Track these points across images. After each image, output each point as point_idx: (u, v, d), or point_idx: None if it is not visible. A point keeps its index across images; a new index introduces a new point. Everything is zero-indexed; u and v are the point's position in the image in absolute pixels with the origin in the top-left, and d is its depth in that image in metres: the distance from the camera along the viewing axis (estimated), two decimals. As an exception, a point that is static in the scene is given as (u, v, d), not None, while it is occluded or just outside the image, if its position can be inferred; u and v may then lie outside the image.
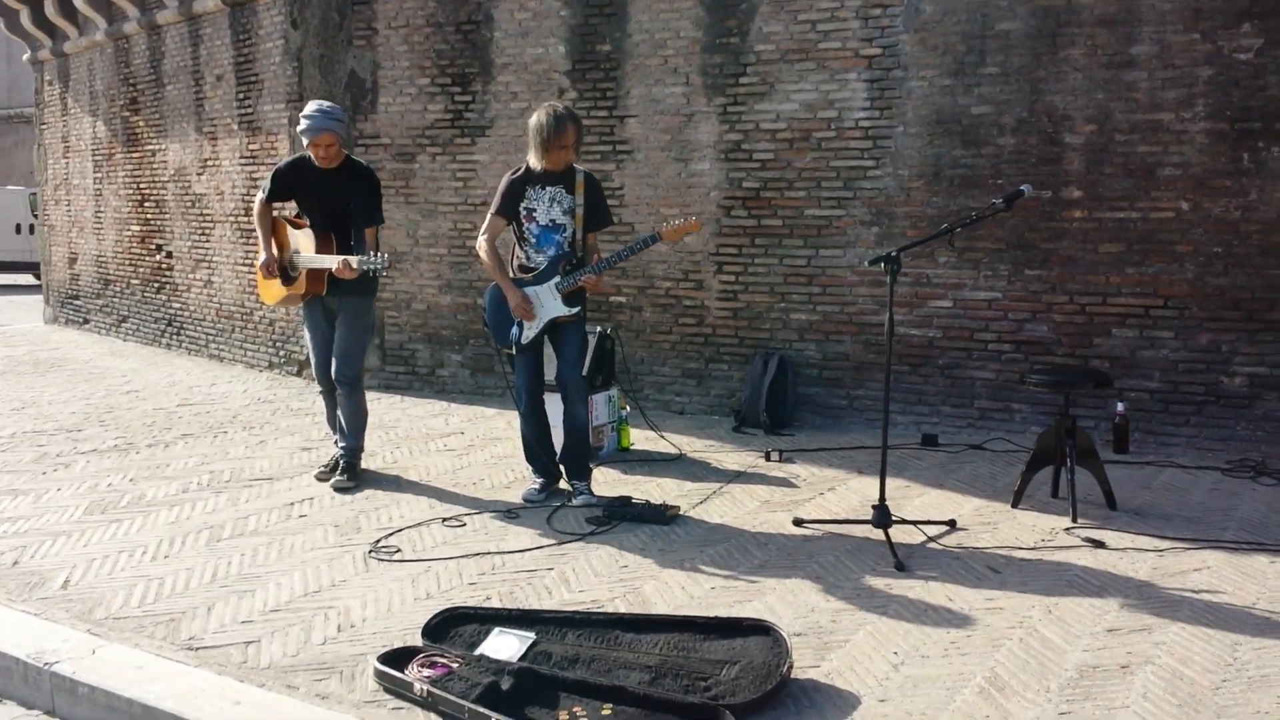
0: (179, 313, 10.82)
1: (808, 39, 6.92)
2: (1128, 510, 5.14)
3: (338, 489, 5.69)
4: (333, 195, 5.64)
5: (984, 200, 6.55)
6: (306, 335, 5.96)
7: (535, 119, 5.22)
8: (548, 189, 5.33)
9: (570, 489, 5.46)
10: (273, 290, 5.85)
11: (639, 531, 4.94)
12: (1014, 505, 5.25)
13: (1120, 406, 6.26)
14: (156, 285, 11.14)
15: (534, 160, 5.27)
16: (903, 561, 4.44)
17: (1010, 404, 6.67)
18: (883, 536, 4.69)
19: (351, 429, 5.86)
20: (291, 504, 5.46)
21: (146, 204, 11.16)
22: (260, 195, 5.87)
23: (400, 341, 8.48)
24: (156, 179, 10.92)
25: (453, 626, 3.72)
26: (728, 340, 7.36)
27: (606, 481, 5.77)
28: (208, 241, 10.19)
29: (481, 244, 5.44)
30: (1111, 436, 6.32)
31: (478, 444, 6.72)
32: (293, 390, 8.54)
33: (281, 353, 9.25)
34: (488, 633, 3.64)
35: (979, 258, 6.65)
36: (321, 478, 5.89)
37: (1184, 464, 5.97)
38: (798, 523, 5.01)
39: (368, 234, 5.68)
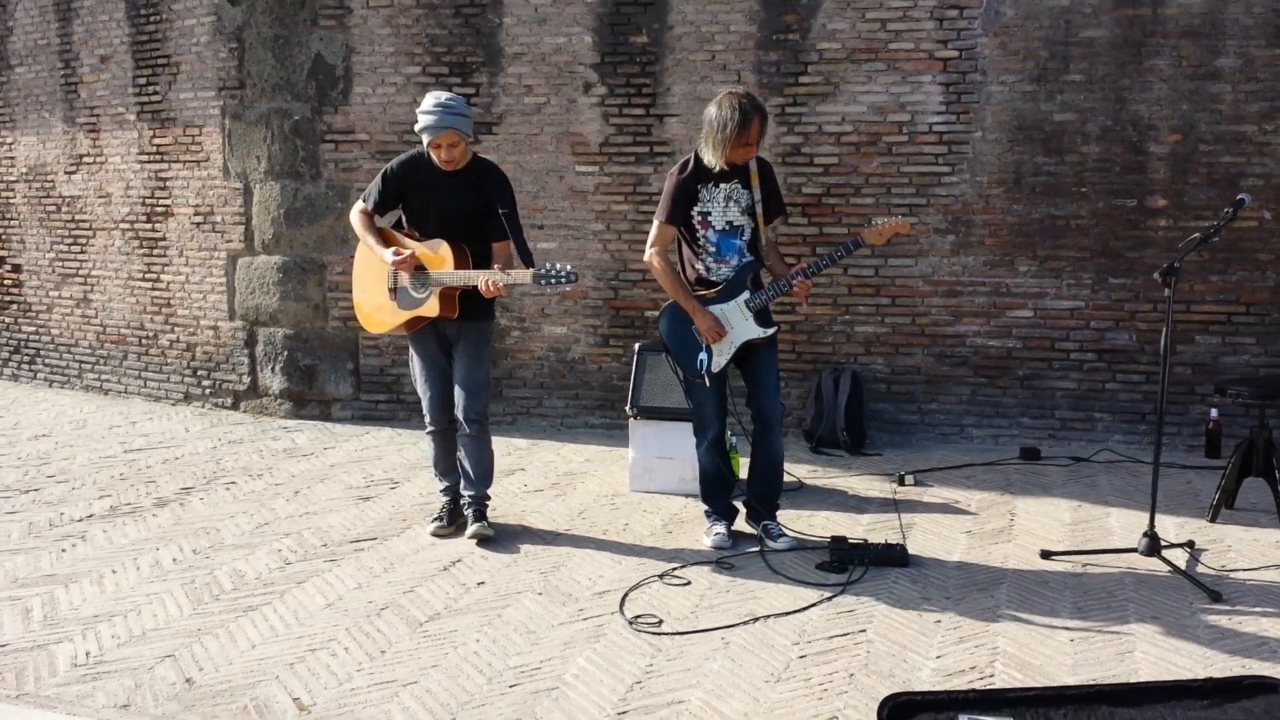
0: (33, 338, 9.04)
1: (877, 39, 6.58)
2: (1317, 518, 5.14)
3: (480, 539, 4.79)
4: (460, 202, 4.74)
5: (1067, 208, 6.49)
6: (416, 368, 4.97)
7: (716, 111, 4.53)
8: (722, 186, 4.68)
9: (760, 530, 4.84)
10: (383, 313, 4.85)
11: (887, 576, 4.42)
12: (1212, 520, 5.14)
13: (1214, 412, 6.34)
14: (-6, 305, 9.28)
15: (710, 157, 4.58)
16: (1219, 592, 4.18)
17: (1092, 413, 6.61)
18: (1150, 565, 4.45)
19: (480, 474, 4.96)
20: (446, 569, 4.52)
21: (-22, 208, 9.27)
22: (361, 203, 4.88)
23: (380, 366, 7.41)
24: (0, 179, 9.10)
25: (908, 717, 3.10)
26: (784, 356, 6.89)
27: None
28: (82, 253, 8.57)
29: (653, 257, 4.73)
30: (1204, 442, 6.39)
31: (560, 481, 5.91)
32: (250, 428, 7.27)
33: (205, 383, 7.89)
34: (956, 722, 3.05)
35: (1061, 266, 6.56)
36: (442, 533, 4.95)
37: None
38: (1045, 555, 4.65)
39: (498, 249, 4.82)
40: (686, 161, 4.67)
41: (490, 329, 4.98)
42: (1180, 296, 6.43)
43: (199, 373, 7.95)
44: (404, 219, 4.91)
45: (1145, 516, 5.08)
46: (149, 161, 8.01)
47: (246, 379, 7.66)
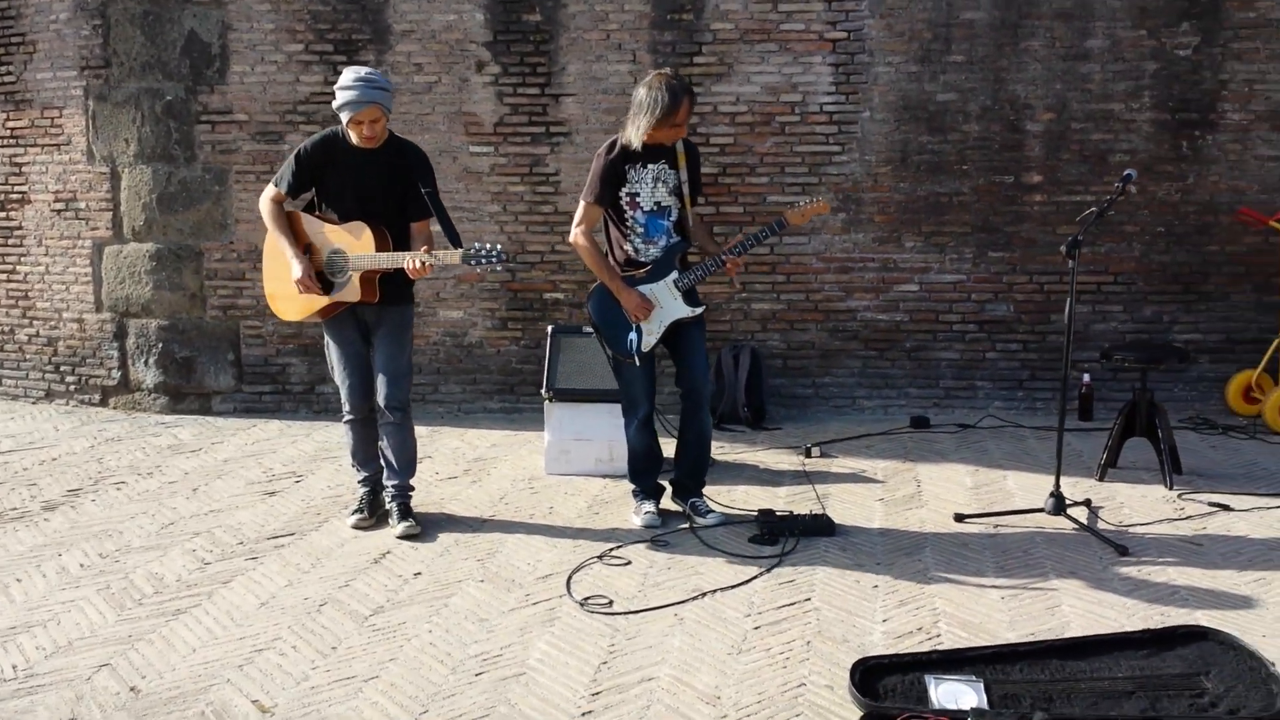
0: None
1: (769, 19, 6.69)
2: (1190, 473, 5.50)
3: (408, 537, 4.69)
4: (378, 182, 4.61)
5: (950, 186, 6.75)
6: (333, 356, 4.83)
7: (647, 92, 4.54)
8: (649, 166, 4.69)
9: (687, 507, 4.90)
10: (299, 300, 4.68)
11: (817, 546, 4.55)
12: (1100, 479, 5.45)
13: (1086, 377, 6.73)
14: None
15: (636, 136, 4.59)
16: (1125, 547, 4.44)
17: (974, 382, 6.92)
18: (1057, 524, 4.72)
19: (403, 463, 4.86)
20: (378, 561, 4.43)
21: None
22: (271, 188, 4.68)
23: (264, 356, 7.16)
24: None
25: (876, 680, 3.21)
26: (683, 334, 6.97)
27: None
28: (-76, 242, 7.96)
29: (579, 237, 4.71)
30: (1077, 405, 6.77)
31: (471, 467, 5.84)
32: (126, 425, 6.92)
33: (70, 379, 7.46)
34: (922, 683, 3.18)
35: (945, 242, 6.82)
36: (363, 525, 4.84)
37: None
38: (959, 518, 4.86)
39: (417, 229, 4.72)
40: (614, 142, 4.66)
41: (411, 313, 4.88)
42: (1053, 268, 6.78)
43: (61, 369, 7.51)
44: (318, 201, 4.74)
45: (1038, 478, 5.42)
46: (2, 146, 7.49)
47: (116, 374, 7.29)
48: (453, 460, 5.96)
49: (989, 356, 6.90)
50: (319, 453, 6.14)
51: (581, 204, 4.71)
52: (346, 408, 4.86)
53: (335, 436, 6.49)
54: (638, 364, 4.70)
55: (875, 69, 6.69)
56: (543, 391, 5.69)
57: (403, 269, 4.48)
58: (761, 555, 4.43)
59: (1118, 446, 5.52)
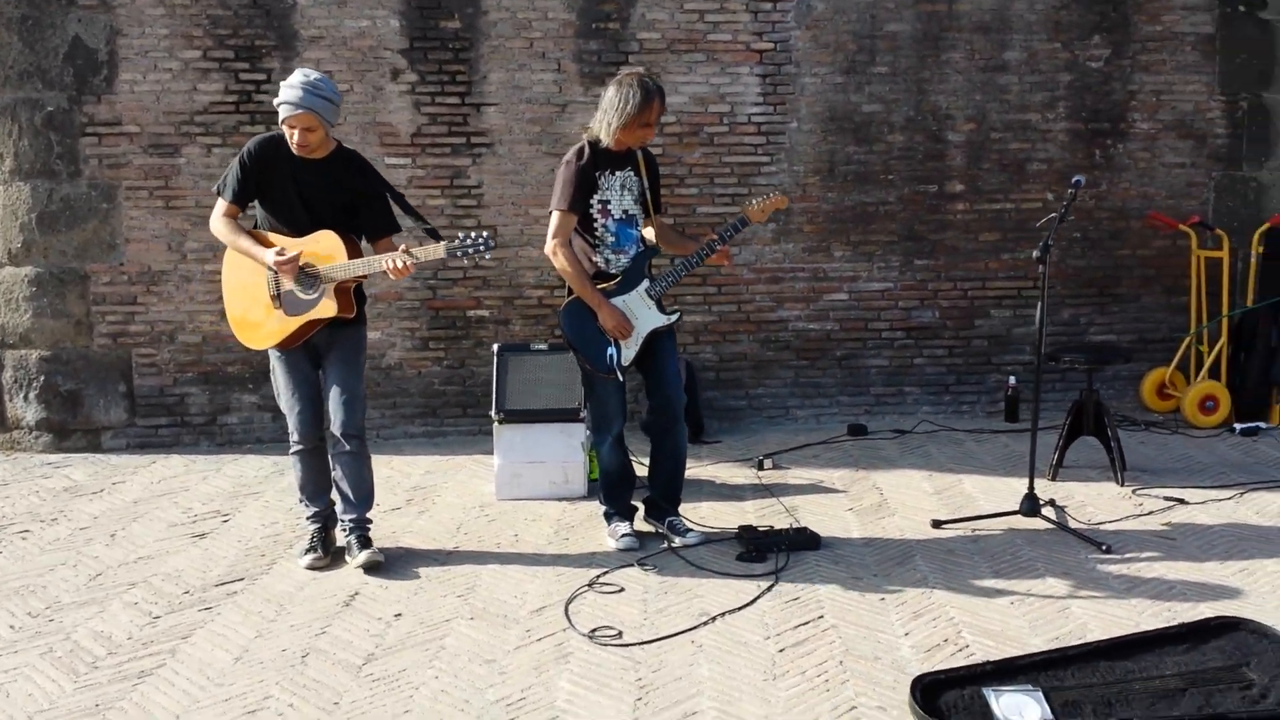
0: None
1: (696, 29, 6.59)
2: (1136, 470, 5.62)
3: (370, 566, 4.35)
4: (324, 193, 4.28)
5: (876, 195, 6.79)
6: (280, 382, 4.44)
7: (616, 90, 4.37)
8: (617, 174, 4.53)
9: (664, 526, 4.71)
10: (269, 324, 4.29)
11: (806, 561, 4.43)
12: (1053, 479, 5.52)
13: (1012, 379, 6.85)
14: None
15: (607, 135, 4.41)
16: (1108, 544, 4.48)
17: (902, 388, 6.96)
18: (1031, 525, 4.75)
19: (361, 496, 4.53)
20: (348, 604, 4.08)
21: None
22: (220, 201, 4.32)
23: (161, 386, 6.62)
24: None
25: (936, 698, 3.10)
26: (613, 350, 6.78)
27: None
28: None
29: (556, 249, 4.48)
30: (1003, 407, 6.88)
31: (414, 497, 5.50)
32: (8, 467, 6.27)
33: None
34: (982, 697, 3.09)
35: (872, 250, 6.84)
36: (319, 565, 4.46)
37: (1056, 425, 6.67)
38: (936, 524, 4.83)
39: (380, 249, 4.41)
40: (583, 148, 4.46)
41: (365, 334, 4.55)
42: (975, 274, 6.89)
43: (-74, 406, 6.77)
44: (265, 215, 4.36)
45: (991, 480, 5.50)
46: None
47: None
48: (389, 490, 5.60)
49: (916, 362, 6.95)
50: (237, 489, 5.69)
51: (555, 214, 4.48)
52: (295, 437, 4.49)
53: (249, 470, 6.04)
54: (620, 378, 4.50)
55: (802, 80, 6.67)
56: (492, 413, 5.41)
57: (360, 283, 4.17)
58: (753, 574, 4.28)
59: (1066, 446, 5.60)
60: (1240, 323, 6.68)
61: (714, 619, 3.85)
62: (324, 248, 4.20)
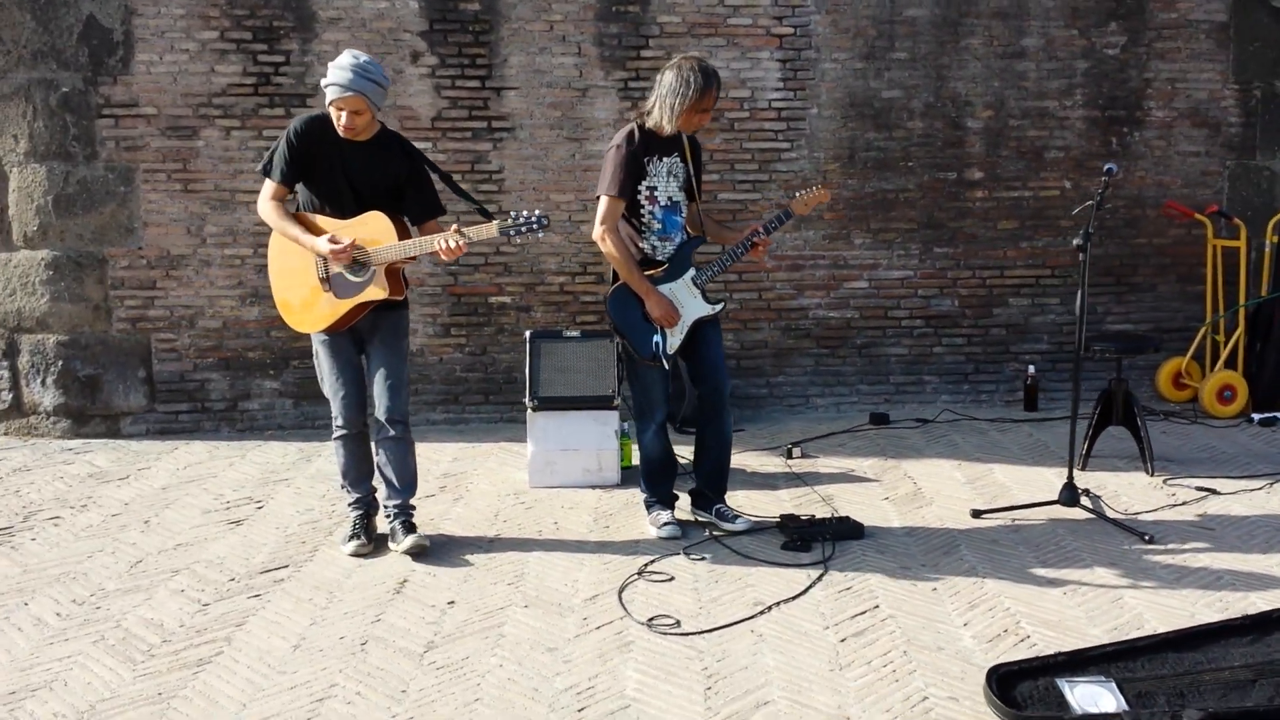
0: None
1: (716, 13, 6.56)
2: (1162, 459, 5.66)
3: (416, 552, 4.33)
4: (369, 175, 4.25)
5: (896, 182, 6.79)
6: (325, 366, 4.40)
7: (676, 74, 4.31)
8: (664, 160, 4.50)
9: (711, 514, 4.70)
10: (320, 308, 4.26)
11: (851, 550, 4.44)
12: (1083, 468, 5.55)
13: (1031, 369, 6.88)
14: None
15: (668, 121, 4.34)
16: (1150, 534, 4.51)
17: (922, 376, 6.99)
18: (1070, 515, 4.77)
19: (406, 481, 4.49)
20: (399, 592, 4.06)
21: None
22: (268, 183, 4.26)
23: (181, 371, 6.55)
24: None
25: (1011, 688, 3.12)
26: (634, 336, 6.76)
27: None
28: None
29: (605, 235, 4.44)
30: (1021, 396, 6.92)
31: (446, 485, 5.48)
32: (28, 453, 6.19)
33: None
34: (1056, 688, 3.11)
35: (892, 238, 6.85)
36: (363, 552, 4.44)
37: (1082, 414, 6.69)
38: (976, 514, 4.85)
39: (426, 230, 4.39)
40: (632, 132, 4.42)
41: (408, 318, 4.52)
42: (994, 263, 6.92)
43: (-65, 391, 6.68)
44: (307, 197, 4.31)
45: (1020, 470, 5.53)
46: None
47: (8, 395, 6.53)
48: (421, 477, 5.54)
49: (935, 351, 6.98)
50: (266, 475, 5.65)
51: (604, 200, 4.45)
52: (339, 421, 4.45)
53: (274, 457, 6.00)
54: (666, 366, 4.49)
55: (822, 65, 6.66)
56: (526, 400, 5.39)
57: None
58: (801, 563, 4.29)
59: (1095, 436, 5.63)
60: (1256, 313, 6.74)
61: (770, 608, 3.85)
62: (373, 230, 4.16)
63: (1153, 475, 5.41)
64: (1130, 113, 6.86)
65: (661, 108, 4.33)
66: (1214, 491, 5.14)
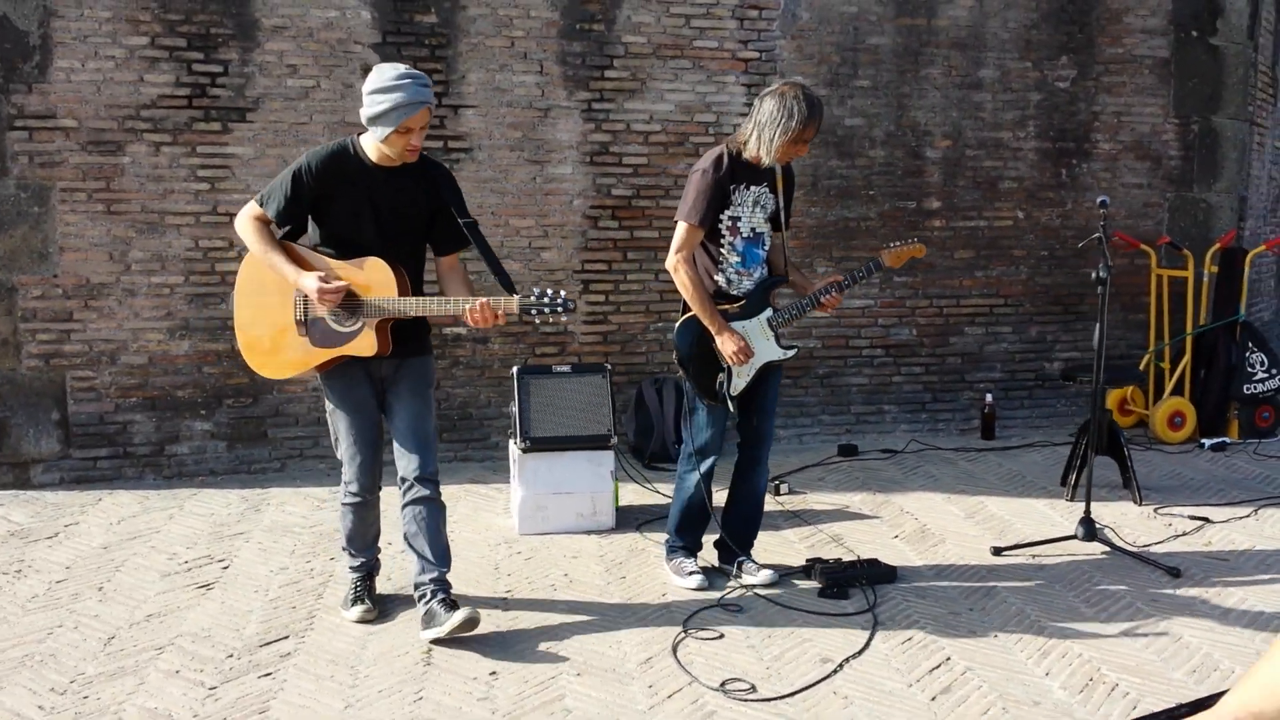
0: None
1: (682, 35, 6.36)
2: (1145, 487, 5.69)
3: (470, 625, 3.77)
4: (403, 209, 3.80)
5: (858, 210, 6.72)
6: (341, 424, 3.89)
7: (779, 103, 3.98)
8: (752, 189, 4.20)
9: (735, 566, 4.44)
10: (289, 352, 3.80)
11: (888, 596, 4.27)
12: (1070, 499, 5.54)
13: (989, 397, 6.89)
14: None
15: (766, 153, 4.03)
16: (1178, 569, 4.49)
17: (881, 406, 6.92)
18: (1088, 550, 4.73)
19: (439, 550, 3.91)
20: (428, 664, 3.66)
21: None
22: (255, 206, 3.77)
23: (100, 413, 5.91)
24: None
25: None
26: (595, 369, 6.47)
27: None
28: None
29: (679, 265, 4.14)
30: (978, 425, 6.93)
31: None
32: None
33: None
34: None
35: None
36: (369, 618, 4.00)
37: (1037, 441, 6.77)
38: (996, 552, 4.75)
39: (446, 266, 3.99)
40: (720, 158, 4.10)
41: (434, 366, 4.09)
42: (950, 292, 6.92)
43: None
44: (313, 232, 3.87)
45: (1010, 502, 5.50)
46: None
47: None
48: (393, 525, 5.13)
49: (895, 380, 6.92)
50: (216, 529, 5.11)
51: (682, 226, 4.14)
52: (353, 488, 3.99)
53: (216, 507, 5.46)
54: (730, 409, 4.22)
55: (788, 91, 6.52)
56: (517, 441, 5.03)
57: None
58: (845, 612, 4.09)
59: (1081, 467, 5.63)
60: (1199, 340, 6.92)
61: (840, 666, 3.63)
62: (371, 278, 3.72)
63: (1141, 504, 5.44)
64: (1079, 145, 6.97)
65: (760, 139, 4.03)
66: (1207, 520, 5.19)
